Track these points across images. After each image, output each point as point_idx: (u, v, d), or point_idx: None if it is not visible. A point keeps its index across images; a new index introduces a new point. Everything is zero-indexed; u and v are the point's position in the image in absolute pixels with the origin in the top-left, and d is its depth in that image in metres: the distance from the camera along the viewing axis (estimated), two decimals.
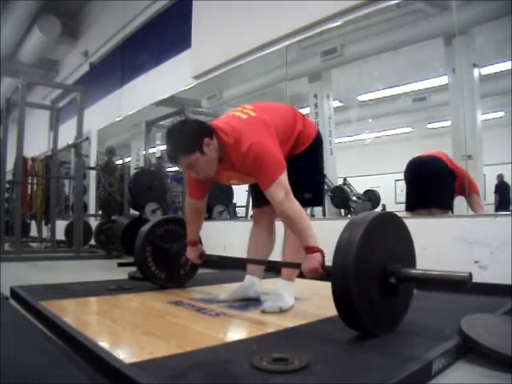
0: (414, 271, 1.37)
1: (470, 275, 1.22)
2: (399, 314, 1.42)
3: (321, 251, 1.52)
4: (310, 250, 1.52)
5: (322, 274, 1.48)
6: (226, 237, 3.79)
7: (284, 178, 1.59)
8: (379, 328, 1.31)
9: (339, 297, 1.26)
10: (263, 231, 2.01)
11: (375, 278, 1.31)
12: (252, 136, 1.62)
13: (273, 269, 2.42)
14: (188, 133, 1.66)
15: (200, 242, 2.14)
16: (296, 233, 1.59)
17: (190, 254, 2.07)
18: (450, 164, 2.88)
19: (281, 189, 1.56)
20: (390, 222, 1.45)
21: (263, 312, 1.70)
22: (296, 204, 1.57)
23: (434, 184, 2.83)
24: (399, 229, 1.47)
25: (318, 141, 1.94)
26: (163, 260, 2.30)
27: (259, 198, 1.88)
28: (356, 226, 1.30)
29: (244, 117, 1.73)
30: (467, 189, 2.83)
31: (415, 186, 3.01)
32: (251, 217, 2.38)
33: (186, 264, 2.37)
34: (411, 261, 1.48)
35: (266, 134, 1.66)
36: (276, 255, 2.03)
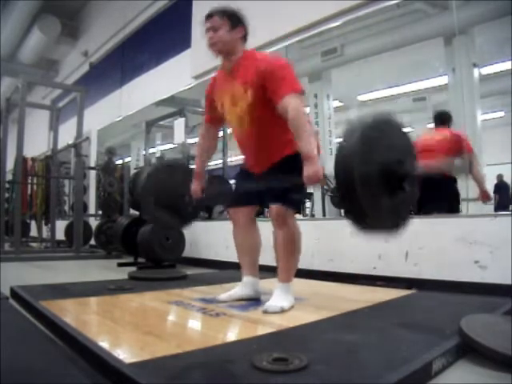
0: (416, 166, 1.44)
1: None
2: (405, 211, 1.44)
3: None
4: (311, 157, 1.60)
5: (322, 178, 1.59)
6: (227, 237, 3.77)
7: (302, 96, 1.71)
8: (384, 226, 1.33)
9: (346, 200, 1.33)
10: (244, 231, 2.00)
11: (379, 177, 1.33)
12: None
13: (269, 268, 2.42)
14: (238, 12, 1.89)
15: (203, 177, 2.19)
16: (301, 139, 1.65)
17: (194, 186, 2.13)
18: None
19: (299, 99, 1.67)
20: (385, 121, 1.51)
21: (265, 312, 1.69)
22: (306, 115, 1.67)
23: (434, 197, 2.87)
24: (394, 127, 1.53)
25: None
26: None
27: (241, 197, 1.96)
28: (354, 129, 1.36)
29: None
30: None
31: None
32: None
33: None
34: (410, 155, 1.54)
35: None
36: (268, 256, 2.01)
